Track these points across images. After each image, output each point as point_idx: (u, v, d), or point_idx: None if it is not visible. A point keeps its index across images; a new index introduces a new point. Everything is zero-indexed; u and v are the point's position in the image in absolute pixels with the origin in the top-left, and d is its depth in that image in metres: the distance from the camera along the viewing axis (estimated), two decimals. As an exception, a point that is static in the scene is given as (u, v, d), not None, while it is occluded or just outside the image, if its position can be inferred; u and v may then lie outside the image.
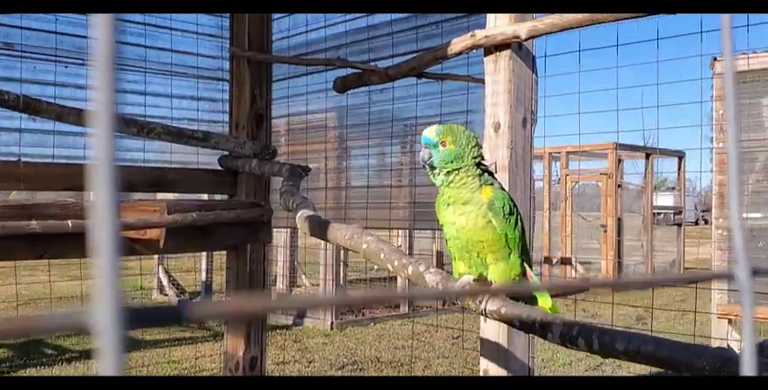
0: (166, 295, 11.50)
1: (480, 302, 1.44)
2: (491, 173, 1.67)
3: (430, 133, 1.62)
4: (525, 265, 1.60)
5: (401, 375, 6.52)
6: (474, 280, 1.54)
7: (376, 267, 13.55)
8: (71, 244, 2.54)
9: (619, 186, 14.66)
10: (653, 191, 15.50)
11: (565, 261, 14.95)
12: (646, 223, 14.95)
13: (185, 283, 11.71)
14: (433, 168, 1.61)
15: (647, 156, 15.27)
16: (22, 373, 6.48)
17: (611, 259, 14.35)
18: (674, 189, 18.47)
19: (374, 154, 3.57)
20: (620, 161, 14.86)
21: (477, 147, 1.64)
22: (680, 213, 16.08)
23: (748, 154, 6.22)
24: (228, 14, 3.11)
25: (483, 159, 1.66)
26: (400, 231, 9.80)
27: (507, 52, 2.30)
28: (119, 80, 0.38)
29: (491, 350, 2.29)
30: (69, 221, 2.44)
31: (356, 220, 3.35)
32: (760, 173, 6.28)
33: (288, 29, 3.40)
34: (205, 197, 4.31)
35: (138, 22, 3.03)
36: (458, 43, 2.37)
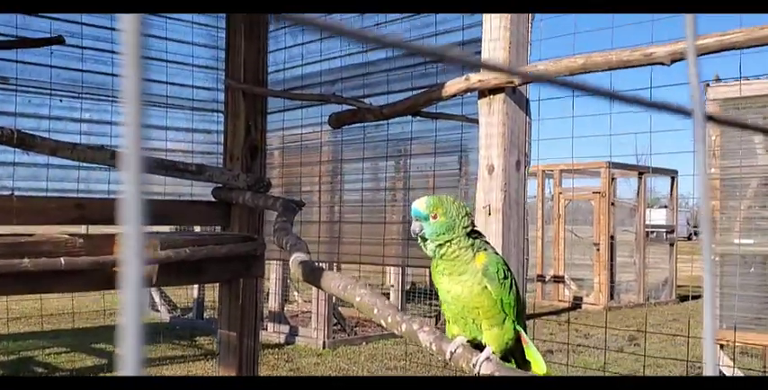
0: (158, 311, 11.46)
1: (474, 365, 1.44)
2: (482, 237, 1.68)
3: (420, 206, 1.62)
4: (519, 329, 1.60)
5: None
6: (467, 341, 1.55)
7: (368, 280, 13.55)
8: (63, 280, 2.54)
9: (612, 204, 14.71)
10: (646, 209, 15.55)
11: (557, 279, 14.97)
12: (638, 241, 14.97)
13: (177, 299, 11.67)
14: (424, 240, 1.62)
15: (640, 175, 15.34)
16: (11, 392, 6.44)
17: (604, 277, 14.37)
18: (666, 206, 18.51)
19: (368, 187, 3.58)
20: (612, 179, 14.93)
21: (467, 217, 1.64)
22: (672, 232, 16.13)
23: (740, 180, 6.25)
24: (225, 47, 3.12)
25: (474, 226, 1.66)
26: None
27: (501, 96, 2.31)
28: (144, 116, 0.41)
29: None
30: (62, 258, 2.43)
31: (349, 255, 3.35)
32: (752, 200, 6.30)
33: (284, 61, 3.42)
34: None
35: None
36: (452, 86, 2.38)
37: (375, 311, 1.63)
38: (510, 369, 1.43)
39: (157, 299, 11.56)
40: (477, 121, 2.45)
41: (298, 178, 3.84)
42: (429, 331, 1.56)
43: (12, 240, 2.38)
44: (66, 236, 2.52)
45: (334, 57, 3.19)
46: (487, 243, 1.68)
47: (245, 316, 3.15)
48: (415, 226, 1.61)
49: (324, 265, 7.62)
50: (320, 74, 3.34)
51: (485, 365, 1.44)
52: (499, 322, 1.54)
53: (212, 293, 11.89)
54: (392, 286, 10.42)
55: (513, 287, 1.58)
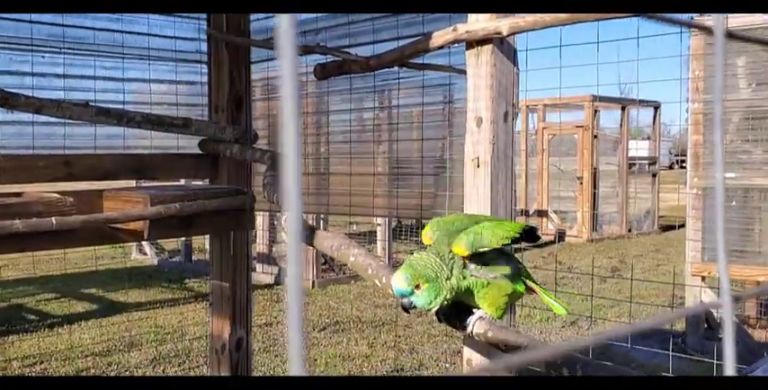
0: (146, 254, 11.52)
1: (467, 325, 1.48)
2: (466, 259, 1.59)
3: (400, 284, 1.53)
4: (528, 284, 1.61)
5: (383, 334, 6.63)
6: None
7: (356, 223, 13.63)
8: (54, 238, 2.55)
9: (595, 137, 14.75)
10: (628, 141, 15.62)
11: (541, 213, 15.13)
12: (621, 173, 15.09)
13: (164, 242, 11.72)
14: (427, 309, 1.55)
15: (623, 108, 15.35)
16: (5, 339, 6.50)
17: (587, 210, 14.52)
18: (649, 138, 18.59)
19: (354, 139, 3.57)
20: (596, 112, 14.93)
21: (444, 266, 1.55)
22: (655, 163, 16.25)
23: (723, 115, 6.27)
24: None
25: (454, 260, 1.57)
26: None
27: (489, 47, 2.30)
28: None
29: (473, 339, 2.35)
30: (54, 218, 2.44)
31: (337, 206, 3.37)
32: (734, 134, 6.35)
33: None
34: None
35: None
36: (439, 37, 2.36)
37: (369, 271, 1.66)
38: (502, 329, 1.47)
39: (144, 242, 11.60)
40: (464, 72, 2.44)
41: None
42: (421, 290, 1.59)
43: (2, 201, 2.38)
44: (57, 196, 2.52)
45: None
46: (473, 261, 1.62)
47: (237, 268, 3.19)
48: (404, 303, 1.54)
49: (311, 216, 7.68)
50: (303, 23, 3.29)
51: (477, 324, 1.48)
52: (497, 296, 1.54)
53: (200, 237, 11.95)
54: (379, 225, 10.49)
55: (514, 274, 1.56)
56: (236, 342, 3.22)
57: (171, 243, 11.64)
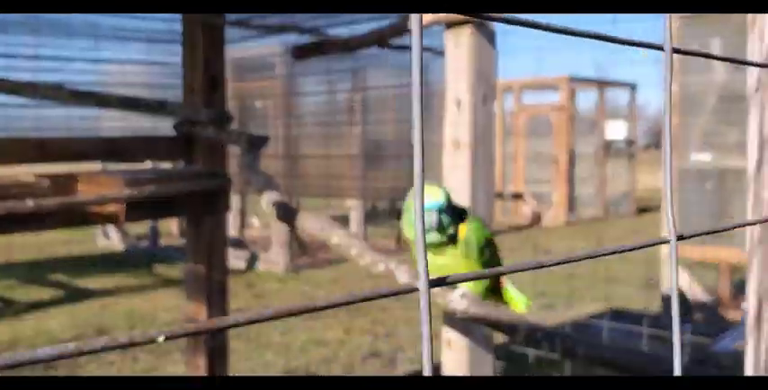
0: (110, 239, 11.37)
1: (450, 301, 1.48)
2: (460, 208, 1.64)
3: (438, 197, 1.52)
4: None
5: (358, 319, 6.63)
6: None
7: (330, 207, 13.59)
8: (29, 221, 2.51)
9: (571, 118, 14.81)
10: (605, 122, 15.71)
11: (517, 196, 15.19)
12: (598, 155, 15.18)
13: (130, 227, 11.56)
14: (441, 231, 1.52)
15: (600, 88, 15.43)
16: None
17: (564, 192, 14.60)
18: (625, 119, 18.69)
19: (326, 120, 3.54)
20: (572, 92, 14.98)
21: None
22: (632, 144, 16.36)
23: (699, 97, 6.31)
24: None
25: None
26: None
27: (468, 29, 2.28)
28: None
29: (454, 319, 2.35)
30: (30, 200, 2.40)
31: (310, 188, 3.34)
32: (710, 115, 6.39)
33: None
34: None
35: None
36: (418, 18, 2.33)
37: (353, 251, 1.65)
38: (483, 305, 1.47)
39: (109, 227, 11.46)
40: (442, 53, 2.42)
41: (255, 111, 3.78)
42: (406, 269, 1.58)
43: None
44: (33, 179, 2.48)
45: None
46: (465, 210, 1.66)
47: (213, 251, 3.16)
48: (433, 219, 1.49)
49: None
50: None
51: (458, 301, 1.48)
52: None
53: (167, 222, 11.84)
54: (352, 209, 10.46)
55: (491, 245, 1.58)
56: (213, 326, 3.19)
57: (137, 228, 11.51)
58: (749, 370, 0.94)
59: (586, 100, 16.16)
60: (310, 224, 1.82)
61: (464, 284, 1.56)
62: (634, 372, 1.32)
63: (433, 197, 1.52)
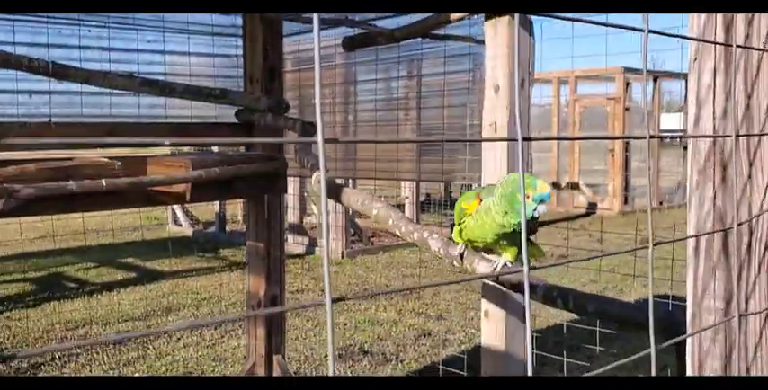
0: (180, 225, 11.82)
1: (473, 264, 1.65)
2: None
3: (549, 190, 1.64)
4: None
5: (410, 302, 6.83)
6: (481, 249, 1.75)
7: (383, 196, 13.81)
8: (102, 200, 2.76)
9: (626, 109, 14.75)
10: (660, 113, 15.59)
11: (573, 186, 15.19)
12: (652, 146, 15.08)
13: (199, 214, 12.01)
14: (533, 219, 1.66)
15: (655, 79, 15.30)
16: (46, 306, 6.79)
17: (619, 182, 14.56)
18: (681, 110, 18.48)
19: (381, 106, 3.73)
20: (627, 84, 14.91)
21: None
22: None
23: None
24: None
25: None
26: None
27: (506, 18, 2.44)
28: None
29: (491, 291, 2.52)
30: (103, 180, 2.64)
31: (364, 171, 3.54)
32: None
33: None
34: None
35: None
36: (459, 9, 2.50)
37: (390, 222, 1.83)
38: (506, 268, 1.64)
39: (180, 214, 11.90)
40: (483, 42, 2.59)
41: (312, 99, 3.99)
42: (438, 238, 1.76)
43: (57, 164, 2.59)
44: (106, 160, 2.72)
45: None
46: None
47: (271, 230, 3.38)
48: (543, 209, 1.63)
49: (341, 181, 7.87)
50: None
51: (482, 263, 1.65)
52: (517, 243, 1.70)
53: (232, 208, 12.25)
54: (407, 197, 10.66)
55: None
56: (270, 299, 3.42)
57: (205, 215, 11.92)
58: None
59: (641, 91, 16.00)
60: (353, 198, 2.01)
61: (506, 254, 1.73)
62: (640, 325, 1.48)
63: (547, 187, 1.65)
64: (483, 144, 2.48)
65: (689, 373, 0.93)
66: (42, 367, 5.03)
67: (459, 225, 1.75)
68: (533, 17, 2.53)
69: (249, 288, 3.51)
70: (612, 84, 15.06)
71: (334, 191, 2.12)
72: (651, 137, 0.75)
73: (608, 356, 4.86)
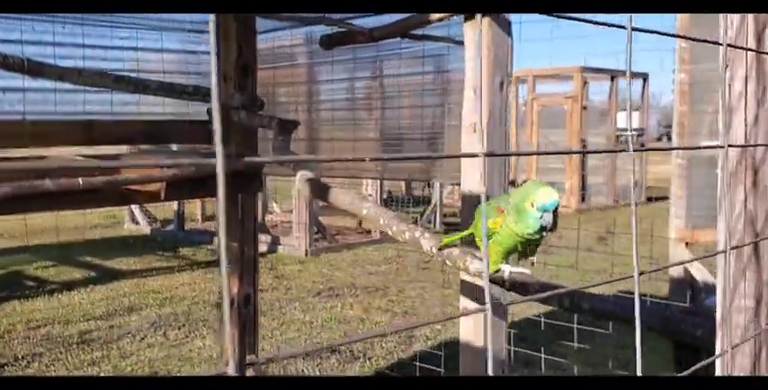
0: (138, 224, 11.67)
1: (466, 262, 1.67)
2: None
3: (556, 198, 1.60)
4: None
5: (376, 299, 6.85)
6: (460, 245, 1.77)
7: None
8: (78, 198, 2.73)
9: (584, 108, 14.95)
10: (617, 112, 15.84)
11: (530, 184, 15.34)
12: (608, 145, 15.31)
13: (156, 212, 11.87)
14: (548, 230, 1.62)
15: (612, 78, 15.53)
16: (5, 305, 6.67)
17: (576, 181, 14.76)
18: (637, 109, 18.80)
19: (345, 106, 3.74)
20: (585, 83, 15.12)
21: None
22: (642, 134, 16.48)
23: (708, 84, 6.46)
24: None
25: None
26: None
27: (486, 19, 2.47)
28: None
29: (470, 289, 2.55)
30: (80, 178, 2.61)
31: (331, 170, 3.54)
32: (718, 104, 6.53)
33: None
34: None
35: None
36: (440, 10, 2.53)
37: (381, 221, 1.85)
38: (521, 273, 1.67)
39: (137, 212, 11.76)
40: (461, 43, 2.61)
41: (281, 97, 3.99)
42: (429, 237, 1.78)
43: (32, 164, 2.55)
44: (81, 158, 2.69)
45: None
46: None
47: (245, 229, 3.37)
48: (548, 219, 1.59)
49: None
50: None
51: (476, 262, 1.67)
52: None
53: (191, 206, 12.13)
54: (370, 195, 10.68)
55: None
56: (243, 298, 3.41)
57: (163, 213, 11.79)
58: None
59: (599, 90, 16.22)
60: (342, 198, 2.02)
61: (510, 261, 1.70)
62: (632, 322, 1.52)
63: (552, 196, 1.60)
64: (462, 146, 2.51)
65: (718, 370, 0.96)
66: (6, 367, 4.95)
67: (490, 238, 1.69)
68: (513, 17, 2.56)
69: (221, 286, 3.49)
70: (570, 83, 15.26)
71: (321, 192, 2.13)
72: (729, 145, 0.77)
73: (584, 352, 4.93)
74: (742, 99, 0.97)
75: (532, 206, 1.59)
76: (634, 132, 17.23)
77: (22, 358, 5.12)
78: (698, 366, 0.88)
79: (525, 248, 1.70)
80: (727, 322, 0.92)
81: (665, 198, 15.46)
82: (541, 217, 1.60)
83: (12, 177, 2.47)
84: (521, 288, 1.62)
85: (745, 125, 0.98)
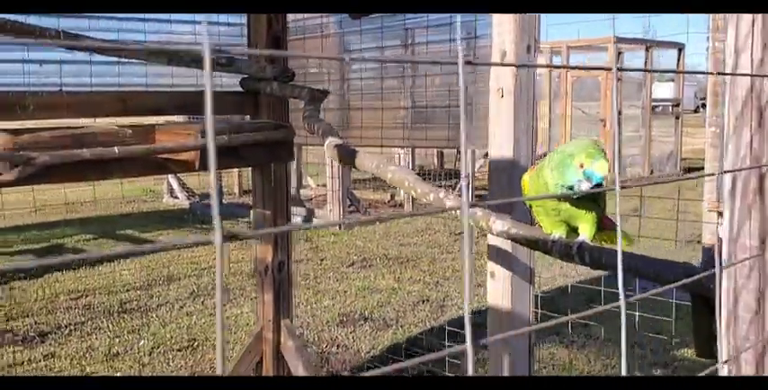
0: (176, 197, 11.87)
1: (489, 222, 1.71)
2: None
3: (604, 173, 1.49)
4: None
5: (408, 270, 6.91)
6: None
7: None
8: (113, 167, 2.81)
9: (618, 80, 14.78)
10: (652, 83, 15.64)
11: (564, 156, 15.25)
12: (645, 116, 15.15)
13: (194, 186, 12.05)
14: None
15: (647, 48, 15.32)
16: (48, 276, 6.84)
17: (610, 152, 14.66)
18: (672, 80, 18.51)
19: (376, 75, 3.77)
20: (619, 54, 14.93)
21: None
22: (678, 105, 16.26)
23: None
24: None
25: None
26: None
27: (512, -15, 2.49)
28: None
29: (497, 253, 2.60)
30: (116, 147, 2.69)
31: (359, 138, 3.59)
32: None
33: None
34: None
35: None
36: (466, -23, 2.54)
37: (406, 184, 1.89)
38: (521, 226, 1.70)
39: (175, 186, 11.95)
40: (488, 9, 2.63)
41: (313, 67, 4.04)
42: (453, 198, 1.82)
43: (71, 132, 2.63)
44: (116, 127, 2.77)
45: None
46: None
47: (278, 198, 3.44)
48: (585, 187, 1.48)
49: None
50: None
51: (499, 221, 1.70)
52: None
53: (228, 179, 12.29)
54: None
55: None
56: (278, 265, 3.49)
57: (200, 187, 11.97)
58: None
59: (634, 61, 16.03)
60: (368, 161, 2.06)
61: (583, 231, 1.66)
62: (650, 277, 1.55)
63: (604, 171, 1.50)
64: (490, 110, 2.54)
65: (723, 308, 1.00)
66: (49, 335, 5.11)
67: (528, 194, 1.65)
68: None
69: (257, 254, 3.57)
70: (605, 54, 15.08)
71: (349, 157, 2.17)
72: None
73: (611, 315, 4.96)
74: (748, 39, 0.99)
75: (581, 167, 1.50)
76: (668, 102, 17.02)
77: (65, 326, 5.29)
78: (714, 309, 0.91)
79: (567, 218, 1.63)
80: (733, 260, 0.95)
81: (701, 168, 15.29)
82: (580, 181, 1.50)
83: (50, 146, 2.55)
84: (542, 246, 1.66)
85: (751, 66, 1.00)
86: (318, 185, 11.61)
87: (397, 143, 3.93)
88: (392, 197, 11.19)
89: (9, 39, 2.31)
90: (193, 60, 3.03)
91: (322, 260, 7.52)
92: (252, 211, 3.68)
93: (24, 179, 2.55)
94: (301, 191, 10.95)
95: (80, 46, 2.74)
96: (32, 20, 2.74)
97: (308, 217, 9.73)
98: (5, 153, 2.42)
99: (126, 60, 3.01)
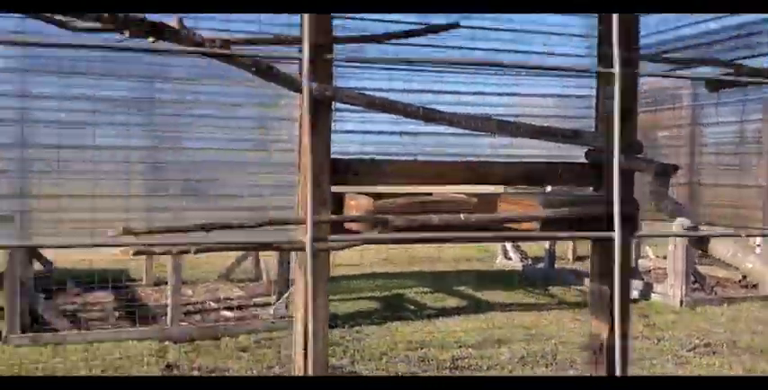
0: (510, 259, 12.02)
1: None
2: None
3: None
4: None
5: (762, 363, 6.25)
6: None
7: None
8: (459, 232, 2.92)
9: None
10: None
11: None
12: None
13: (528, 249, 12.12)
14: None
15: None
16: (390, 324, 7.28)
17: None
18: None
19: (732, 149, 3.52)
20: None
21: None
22: None
23: None
24: (597, 15, 3.26)
25: None
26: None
27: None
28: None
29: None
30: (461, 215, 2.81)
31: (713, 216, 3.35)
32: None
33: (656, 24, 3.47)
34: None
35: (507, 29, 3.31)
36: None
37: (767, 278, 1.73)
38: None
39: (509, 248, 12.12)
40: None
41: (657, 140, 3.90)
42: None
43: (421, 199, 2.81)
44: (463, 196, 2.90)
45: (710, 19, 3.18)
46: None
47: (618, 274, 3.33)
48: None
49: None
50: (696, 36, 3.35)
51: None
52: None
53: (562, 245, 12.21)
54: (758, 245, 9.80)
55: None
56: (612, 346, 3.35)
57: (535, 251, 12.02)
58: None
59: None
60: (722, 248, 1.92)
61: None
62: None
63: None
64: None
65: None
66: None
67: None
68: None
69: (591, 329, 3.47)
70: None
71: (700, 241, 2.04)
72: None
73: None
74: None
75: None
76: None
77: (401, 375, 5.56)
78: None
79: None
80: None
81: None
82: None
83: (404, 211, 2.74)
84: None
85: None
86: (658, 256, 11.05)
87: (754, 224, 3.62)
88: (744, 276, 10.25)
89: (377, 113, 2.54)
90: (537, 132, 3.08)
91: (659, 340, 7.09)
92: (587, 281, 3.60)
93: (381, 239, 2.76)
94: (639, 262, 10.49)
95: (436, 118, 2.93)
96: (396, 95, 3.01)
97: (646, 291, 9.27)
98: (368, 216, 2.65)
99: (476, 132, 3.15)
